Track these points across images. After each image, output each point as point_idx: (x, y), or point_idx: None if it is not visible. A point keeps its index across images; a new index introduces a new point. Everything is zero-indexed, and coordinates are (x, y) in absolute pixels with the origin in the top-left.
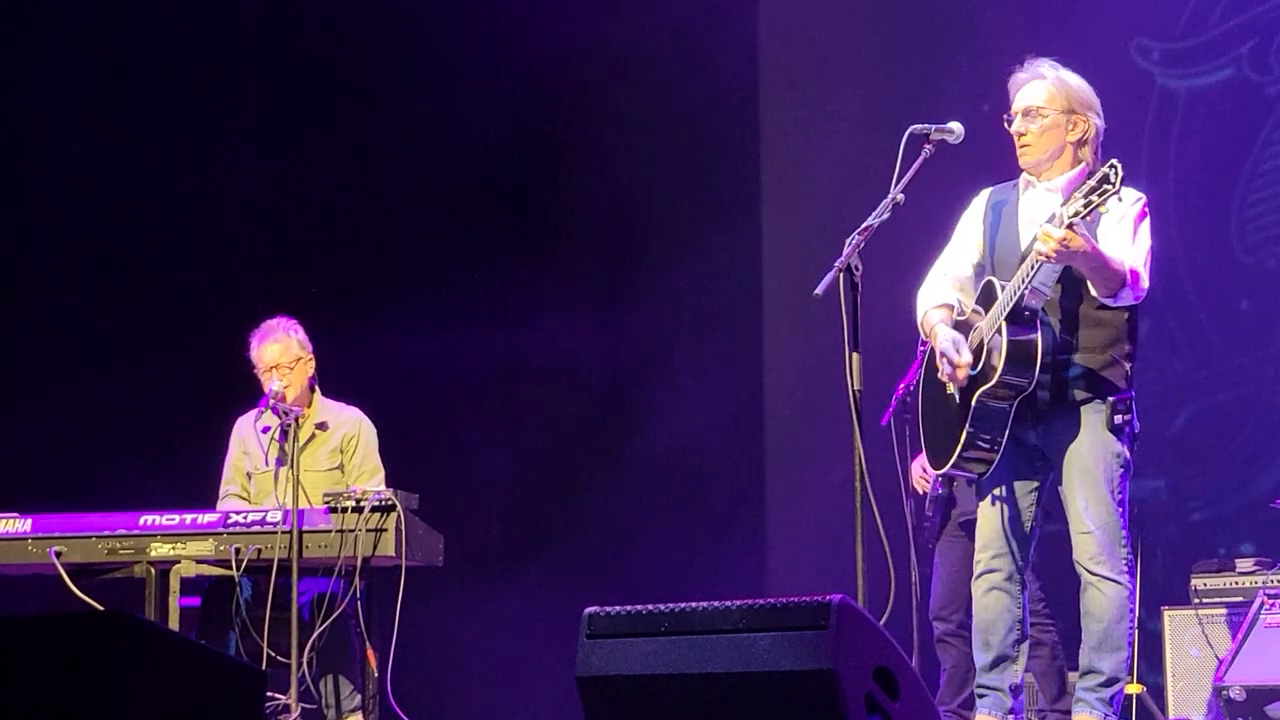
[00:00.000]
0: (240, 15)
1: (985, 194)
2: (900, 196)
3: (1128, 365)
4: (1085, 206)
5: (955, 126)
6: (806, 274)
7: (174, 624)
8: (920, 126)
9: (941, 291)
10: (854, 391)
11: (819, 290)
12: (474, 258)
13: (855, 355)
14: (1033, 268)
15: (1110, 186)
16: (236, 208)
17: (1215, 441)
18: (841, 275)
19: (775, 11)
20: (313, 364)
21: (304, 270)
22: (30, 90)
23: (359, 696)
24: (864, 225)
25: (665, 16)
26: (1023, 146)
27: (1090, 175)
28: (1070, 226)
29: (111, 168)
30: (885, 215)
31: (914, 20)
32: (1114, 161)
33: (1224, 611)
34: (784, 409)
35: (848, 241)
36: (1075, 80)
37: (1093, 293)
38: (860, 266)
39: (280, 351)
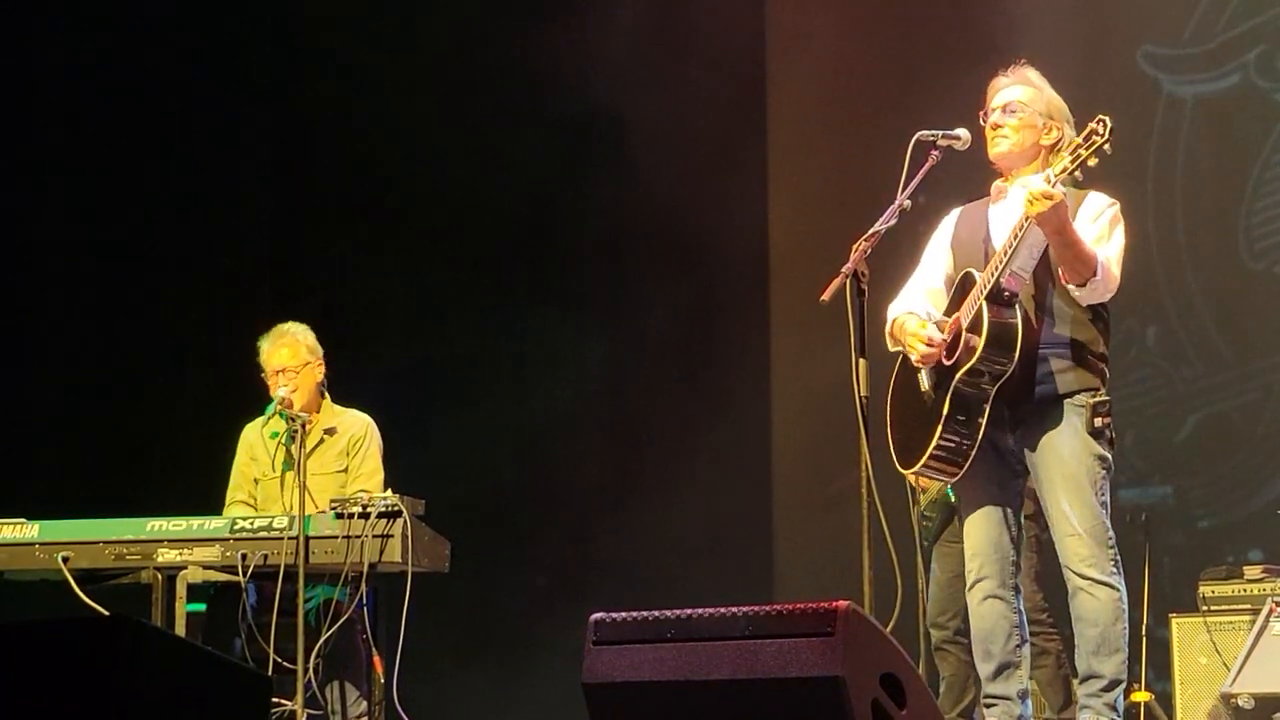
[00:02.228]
0: (249, 19)
1: (956, 211)
2: (907, 202)
3: (1102, 365)
4: (1073, 160)
5: (962, 132)
6: (813, 280)
7: (181, 630)
8: (927, 132)
9: (912, 303)
10: (861, 398)
11: (825, 296)
12: (480, 265)
13: (862, 361)
14: (1015, 238)
15: (1099, 138)
16: (247, 214)
17: (1223, 448)
18: (848, 281)
19: (782, 20)
20: (322, 369)
21: (314, 275)
22: (36, 91)
23: (365, 703)
24: (871, 231)
25: (671, 28)
26: (998, 137)
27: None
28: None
29: (120, 171)
30: (892, 221)
31: (920, 27)
32: (1101, 116)
33: (1232, 619)
34: (791, 414)
35: (855, 248)
36: (1053, 92)
37: (1063, 280)
38: (867, 273)
39: (288, 355)
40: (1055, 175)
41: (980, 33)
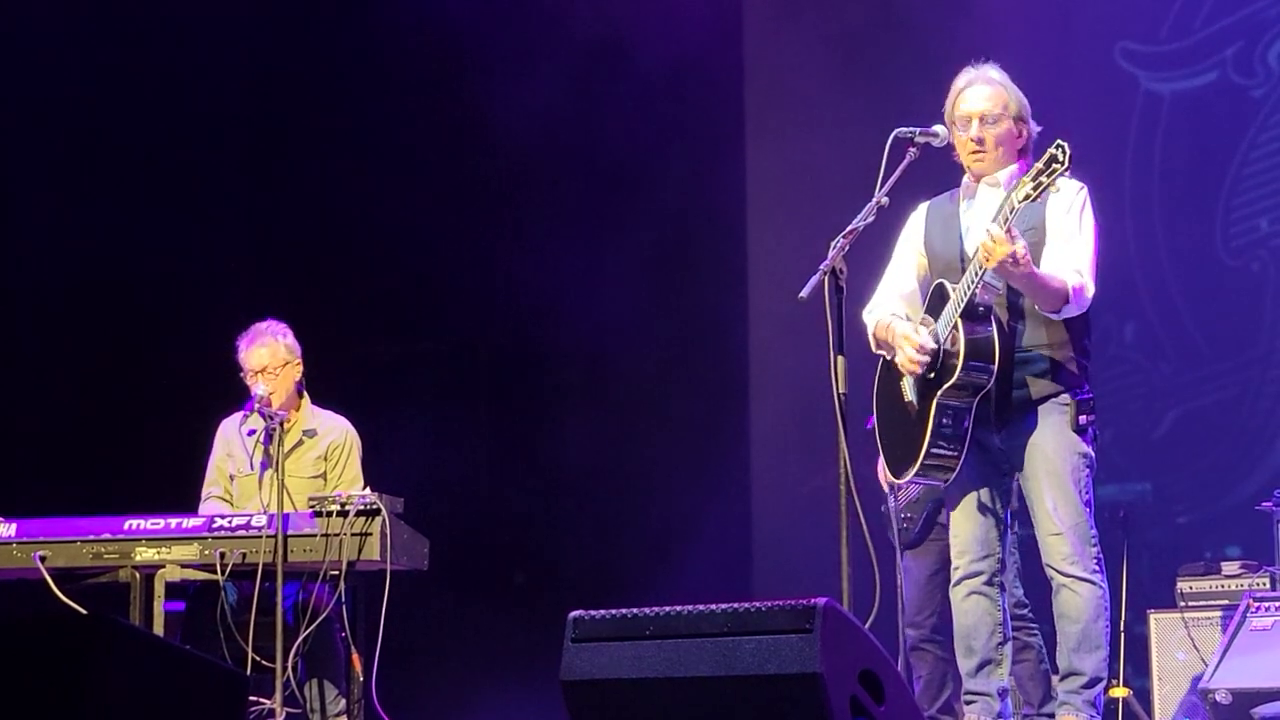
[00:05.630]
0: (229, 21)
1: (923, 207)
2: (885, 199)
3: (1084, 362)
4: (1035, 188)
5: (940, 130)
6: (792, 277)
7: (159, 629)
8: (905, 130)
9: (890, 306)
10: (839, 395)
11: (804, 293)
12: (460, 264)
13: (840, 358)
14: (980, 267)
15: (1059, 165)
16: (223, 211)
17: (1201, 444)
18: (826, 278)
19: (762, 18)
20: (300, 368)
21: (289, 274)
22: (10, 96)
23: (344, 701)
24: (849, 228)
25: (652, 25)
26: (979, 153)
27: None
28: (1012, 235)
29: (99, 171)
30: (870, 218)
31: (898, 26)
32: (1060, 141)
33: (1210, 615)
34: (769, 412)
35: (832, 245)
36: (1015, 88)
37: (1036, 309)
38: (845, 269)
39: (267, 355)
40: (1019, 203)
41: (958, 30)
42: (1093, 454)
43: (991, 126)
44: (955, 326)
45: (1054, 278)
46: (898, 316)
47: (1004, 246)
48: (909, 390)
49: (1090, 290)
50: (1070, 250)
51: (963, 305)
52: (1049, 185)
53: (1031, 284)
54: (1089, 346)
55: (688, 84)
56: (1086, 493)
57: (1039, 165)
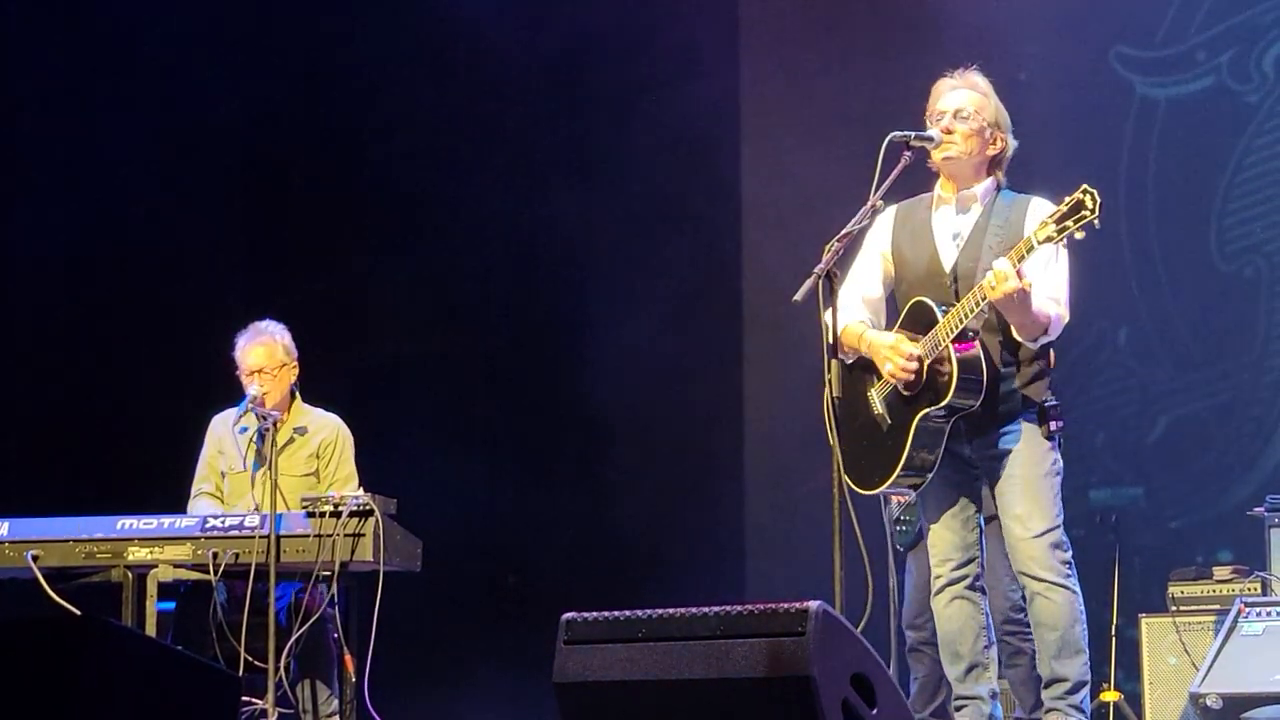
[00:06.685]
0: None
1: (891, 210)
2: (880, 203)
3: (1049, 372)
4: (1059, 232)
5: (935, 134)
6: (786, 280)
7: (151, 629)
8: (900, 133)
9: (856, 311)
10: (833, 398)
11: (798, 297)
12: (453, 267)
13: (834, 361)
14: (984, 298)
15: (1088, 212)
16: (218, 210)
17: (1193, 449)
18: (821, 282)
19: (756, 18)
20: (296, 370)
21: (285, 274)
22: (5, 74)
23: (336, 701)
24: (843, 232)
25: (641, 31)
26: (948, 143)
27: (1013, 200)
28: (1020, 273)
29: (90, 167)
30: (865, 222)
31: (894, 29)
32: (1087, 187)
33: (1202, 619)
34: (763, 415)
35: (827, 248)
36: (998, 100)
37: (1015, 335)
38: (839, 273)
39: (265, 355)
40: (1039, 243)
41: (955, 34)
42: (1060, 460)
43: (963, 122)
44: (947, 354)
45: (1041, 312)
46: (865, 324)
47: (1012, 284)
48: (878, 402)
49: (1066, 319)
50: (1048, 278)
51: (955, 333)
52: (1074, 230)
53: (1023, 318)
54: (1053, 357)
55: (682, 85)
56: (1056, 499)
57: (1064, 209)
